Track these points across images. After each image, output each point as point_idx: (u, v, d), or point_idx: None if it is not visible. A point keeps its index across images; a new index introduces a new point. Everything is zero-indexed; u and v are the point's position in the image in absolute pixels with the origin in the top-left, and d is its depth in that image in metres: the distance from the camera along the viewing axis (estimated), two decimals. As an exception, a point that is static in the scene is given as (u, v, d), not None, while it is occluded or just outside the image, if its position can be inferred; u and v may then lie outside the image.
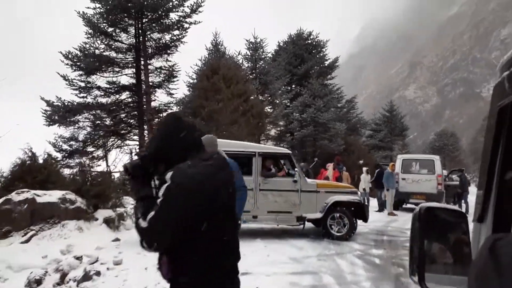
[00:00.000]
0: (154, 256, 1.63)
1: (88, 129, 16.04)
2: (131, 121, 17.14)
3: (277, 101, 22.49)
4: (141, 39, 16.15)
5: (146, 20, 16.23)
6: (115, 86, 16.50)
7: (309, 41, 26.02)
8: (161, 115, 17.72)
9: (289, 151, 8.47)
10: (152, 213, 1.42)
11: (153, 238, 1.44)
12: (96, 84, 16.07)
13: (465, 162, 48.59)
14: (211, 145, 3.69)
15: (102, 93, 16.38)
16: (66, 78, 15.30)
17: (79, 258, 5.39)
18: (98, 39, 15.69)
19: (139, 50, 16.22)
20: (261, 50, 21.94)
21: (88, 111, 15.81)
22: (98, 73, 15.95)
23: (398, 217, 12.21)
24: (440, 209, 1.07)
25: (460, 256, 1.01)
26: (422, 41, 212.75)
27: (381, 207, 13.79)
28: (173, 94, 17.79)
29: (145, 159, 1.60)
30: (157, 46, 16.89)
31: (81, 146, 15.85)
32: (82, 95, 15.93)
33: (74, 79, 15.55)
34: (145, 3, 15.33)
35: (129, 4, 15.20)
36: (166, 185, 1.44)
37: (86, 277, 4.85)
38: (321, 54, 26.27)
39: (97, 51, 15.73)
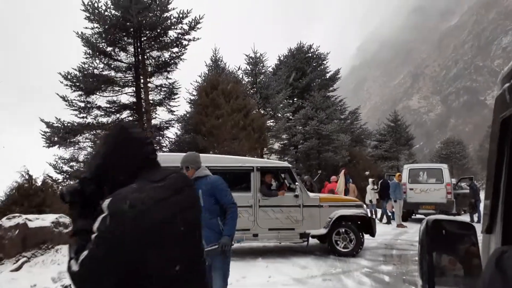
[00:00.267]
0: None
1: (89, 149, 15.84)
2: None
3: (279, 115, 22.33)
4: (140, 57, 16.13)
5: (145, 38, 16.24)
6: (115, 105, 16.42)
7: (310, 54, 26.08)
8: (162, 132, 17.61)
9: (289, 165, 8.15)
10: (85, 252, 1.11)
11: (85, 286, 1.12)
12: (96, 104, 15.99)
13: (473, 169, 47.94)
14: (194, 162, 3.45)
15: (102, 113, 16.26)
16: (66, 98, 15.24)
17: (67, 287, 5.09)
18: (97, 58, 15.65)
19: (139, 68, 16.19)
20: (261, 64, 21.91)
21: (89, 131, 15.69)
22: (97, 93, 15.88)
23: (407, 229, 11.86)
24: (447, 221, 1.08)
25: (470, 268, 1.02)
26: (423, 52, 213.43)
27: (388, 219, 13.39)
28: (174, 111, 17.67)
29: (84, 182, 1.29)
30: (157, 64, 16.86)
31: (81, 167, 15.66)
32: (82, 115, 15.82)
33: (74, 99, 15.50)
34: (144, 21, 15.31)
35: (128, 23, 15.23)
36: (101, 216, 1.13)
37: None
38: (322, 67, 26.32)
39: (96, 71, 15.68)
